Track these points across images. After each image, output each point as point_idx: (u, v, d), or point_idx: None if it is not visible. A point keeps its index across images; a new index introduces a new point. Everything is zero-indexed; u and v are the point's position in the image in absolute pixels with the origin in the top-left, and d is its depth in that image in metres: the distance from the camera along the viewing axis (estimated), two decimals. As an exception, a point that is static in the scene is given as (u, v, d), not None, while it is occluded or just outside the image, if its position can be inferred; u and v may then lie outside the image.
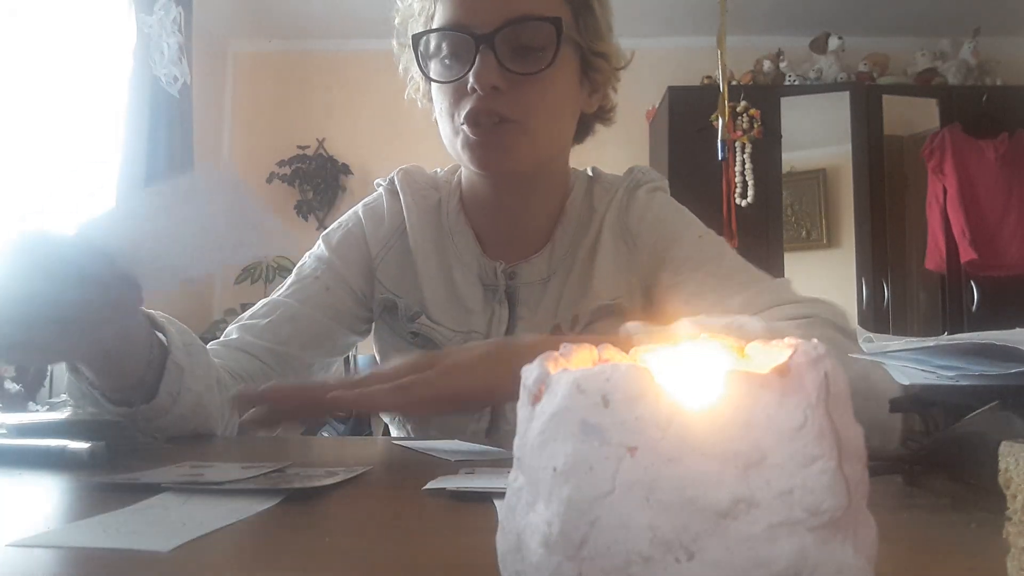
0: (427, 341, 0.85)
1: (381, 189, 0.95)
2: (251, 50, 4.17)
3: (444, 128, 0.82)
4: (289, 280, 0.91)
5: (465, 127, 0.77)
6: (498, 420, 0.83)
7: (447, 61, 0.78)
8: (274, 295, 0.90)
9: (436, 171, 0.97)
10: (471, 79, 0.74)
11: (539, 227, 0.88)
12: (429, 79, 0.81)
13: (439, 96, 0.81)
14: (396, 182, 0.93)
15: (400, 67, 0.90)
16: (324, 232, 0.95)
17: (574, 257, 0.86)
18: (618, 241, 0.86)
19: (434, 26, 0.79)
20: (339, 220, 0.95)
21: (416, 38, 0.80)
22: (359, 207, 0.95)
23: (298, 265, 0.93)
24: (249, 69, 4.19)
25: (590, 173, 0.94)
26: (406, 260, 0.89)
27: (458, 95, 0.77)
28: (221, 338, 0.86)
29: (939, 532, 0.37)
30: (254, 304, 0.90)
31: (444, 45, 0.78)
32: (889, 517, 0.38)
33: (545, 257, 0.87)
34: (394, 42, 0.89)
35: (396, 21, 0.87)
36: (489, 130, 0.77)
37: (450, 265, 0.87)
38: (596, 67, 0.84)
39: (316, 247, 0.93)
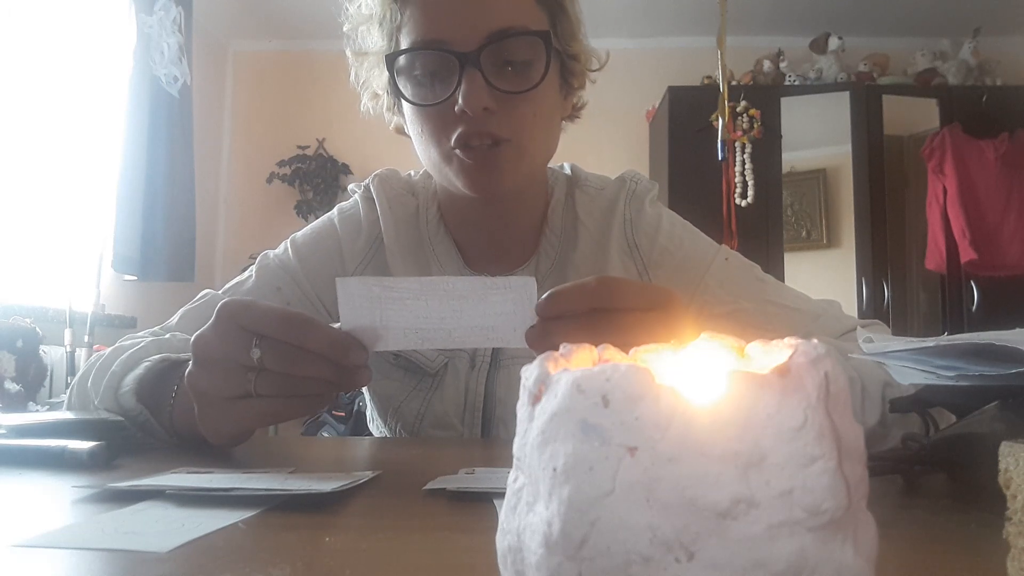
0: (409, 363, 0.82)
1: (356, 196, 0.89)
2: (251, 50, 4.17)
3: (428, 152, 0.76)
4: (249, 280, 0.84)
5: (459, 152, 0.72)
6: (490, 429, 0.82)
7: (424, 80, 0.72)
8: (231, 294, 0.82)
9: (411, 173, 0.92)
10: (460, 102, 0.69)
11: (523, 237, 0.85)
12: (410, 102, 0.74)
13: (419, 119, 0.75)
14: (372, 189, 0.88)
15: (351, 75, 0.83)
16: (293, 236, 0.88)
17: (562, 269, 0.83)
18: (625, 259, 0.83)
19: (404, 40, 0.73)
20: (312, 226, 0.89)
21: (390, 58, 0.73)
22: (335, 214, 0.89)
23: (260, 263, 0.86)
24: (249, 69, 4.19)
25: (567, 171, 0.91)
26: (384, 275, 0.83)
27: (444, 118, 0.72)
28: (166, 331, 0.78)
29: (939, 532, 0.37)
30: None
31: (419, 63, 0.72)
32: (889, 517, 0.38)
33: (531, 270, 0.84)
34: (347, 51, 0.82)
35: (345, 28, 0.81)
36: (484, 153, 0.72)
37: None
38: (572, 71, 0.80)
39: (282, 250, 0.86)
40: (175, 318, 0.81)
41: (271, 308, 0.52)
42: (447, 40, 0.70)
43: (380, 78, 0.80)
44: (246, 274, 0.86)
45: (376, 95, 0.83)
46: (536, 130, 0.75)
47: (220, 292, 0.84)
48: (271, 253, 0.87)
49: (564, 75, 0.80)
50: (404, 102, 0.76)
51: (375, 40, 0.78)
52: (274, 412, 0.53)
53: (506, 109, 0.71)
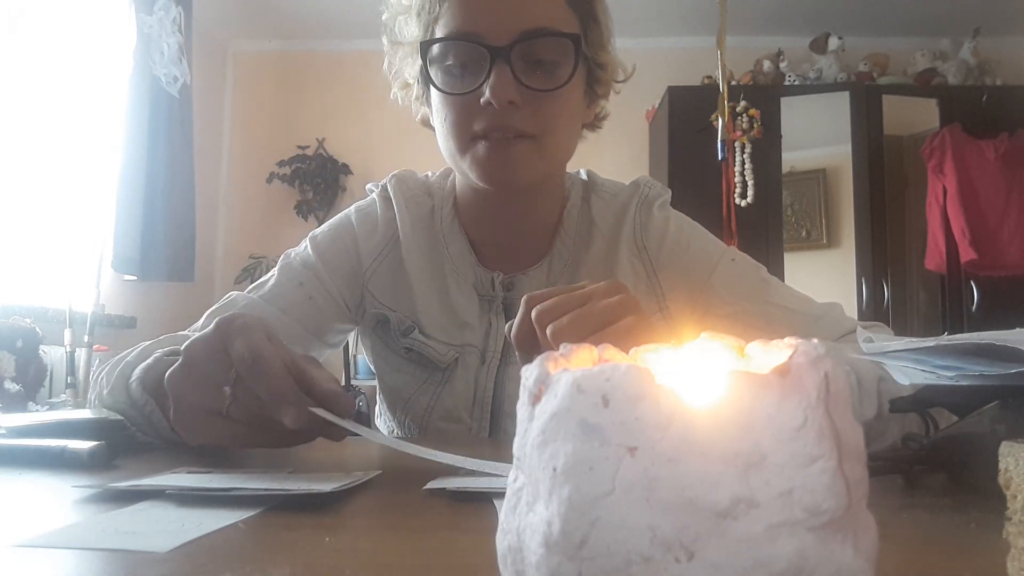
0: (420, 357, 0.84)
1: (374, 195, 0.92)
2: (251, 50, 4.17)
3: (449, 141, 0.78)
4: (272, 279, 0.87)
5: (481, 143, 0.75)
6: (498, 423, 0.83)
7: (455, 71, 0.75)
8: (255, 293, 0.85)
9: (428, 175, 0.94)
10: (487, 93, 0.72)
11: (537, 238, 0.87)
12: (439, 89, 0.76)
13: (444, 107, 0.77)
14: (389, 189, 0.90)
15: (385, 63, 0.86)
16: (312, 233, 0.91)
17: (575, 270, 0.85)
18: (634, 260, 0.85)
19: (440, 31, 0.76)
20: (330, 223, 0.92)
21: (425, 46, 0.76)
22: (352, 211, 0.91)
23: (282, 263, 0.89)
24: (249, 69, 4.19)
25: (584, 176, 0.93)
26: (399, 272, 0.86)
27: (469, 109, 0.74)
28: (189, 331, 0.79)
29: (939, 532, 0.37)
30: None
31: (452, 53, 0.75)
32: (889, 517, 0.38)
33: (544, 269, 0.85)
34: (384, 39, 0.84)
35: (384, 16, 0.83)
36: (503, 145, 0.74)
37: (444, 275, 0.85)
38: (599, 79, 0.83)
39: (303, 248, 0.90)
40: (201, 321, 0.82)
41: (250, 345, 0.50)
42: (481, 33, 0.73)
43: (412, 67, 0.83)
44: (269, 273, 0.88)
45: (407, 84, 0.85)
46: (557, 130, 0.77)
47: (246, 292, 0.86)
48: (292, 252, 0.90)
49: (590, 82, 0.82)
50: (432, 90, 0.78)
51: (412, 30, 0.80)
52: (243, 437, 0.53)
53: (531, 106, 0.74)
